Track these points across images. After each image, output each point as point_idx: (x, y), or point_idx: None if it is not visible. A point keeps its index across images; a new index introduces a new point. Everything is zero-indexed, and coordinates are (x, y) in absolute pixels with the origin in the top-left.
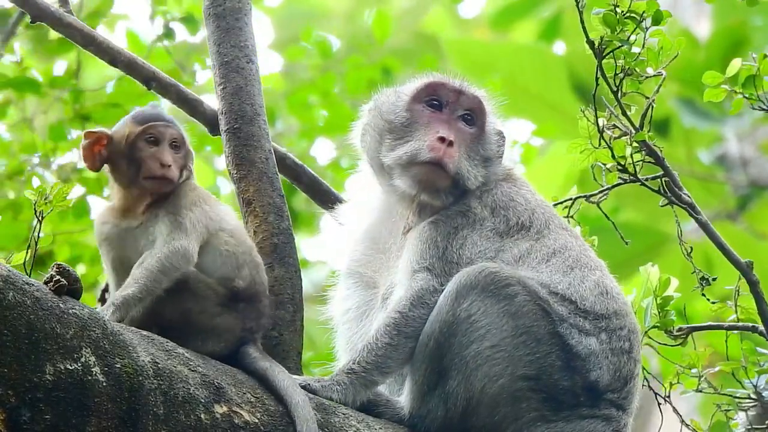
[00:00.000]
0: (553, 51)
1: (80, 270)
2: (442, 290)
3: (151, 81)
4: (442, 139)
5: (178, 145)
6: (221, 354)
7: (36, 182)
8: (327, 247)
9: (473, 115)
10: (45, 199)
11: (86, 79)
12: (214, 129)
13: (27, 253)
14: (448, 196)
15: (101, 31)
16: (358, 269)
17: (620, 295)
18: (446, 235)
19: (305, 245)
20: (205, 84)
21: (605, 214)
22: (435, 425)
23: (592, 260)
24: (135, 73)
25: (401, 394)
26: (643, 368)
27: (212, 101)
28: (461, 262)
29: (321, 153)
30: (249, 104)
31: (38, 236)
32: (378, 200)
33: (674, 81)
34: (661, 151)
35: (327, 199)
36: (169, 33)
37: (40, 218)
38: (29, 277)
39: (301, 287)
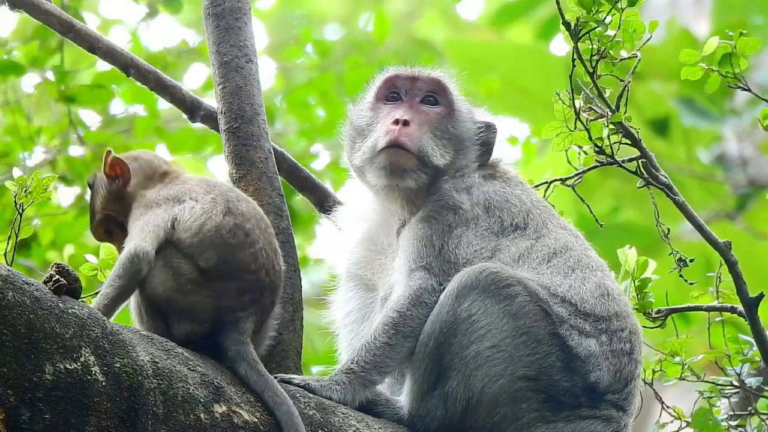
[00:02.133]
0: (552, 51)
1: (68, 251)
2: (441, 290)
3: (130, 68)
4: (396, 122)
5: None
6: (201, 336)
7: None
8: (326, 252)
9: (436, 96)
10: (25, 191)
11: (69, 60)
12: (193, 115)
13: (8, 243)
14: (419, 175)
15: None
16: (357, 272)
17: (621, 296)
18: (441, 233)
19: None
20: (204, 85)
21: (580, 197)
22: (434, 425)
23: (593, 260)
24: (114, 60)
25: (401, 394)
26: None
27: (211, 103)
28: (458, 261)
29: (321, 154)
30: (248, 104)
31: (19, 228)
32: (372, 203)
33: (674, 80)
34: (637, 132)
35: (307, 186)
36: (154, 12)
37: (20, 211)
38: (10, 266)
39: (301, 287)
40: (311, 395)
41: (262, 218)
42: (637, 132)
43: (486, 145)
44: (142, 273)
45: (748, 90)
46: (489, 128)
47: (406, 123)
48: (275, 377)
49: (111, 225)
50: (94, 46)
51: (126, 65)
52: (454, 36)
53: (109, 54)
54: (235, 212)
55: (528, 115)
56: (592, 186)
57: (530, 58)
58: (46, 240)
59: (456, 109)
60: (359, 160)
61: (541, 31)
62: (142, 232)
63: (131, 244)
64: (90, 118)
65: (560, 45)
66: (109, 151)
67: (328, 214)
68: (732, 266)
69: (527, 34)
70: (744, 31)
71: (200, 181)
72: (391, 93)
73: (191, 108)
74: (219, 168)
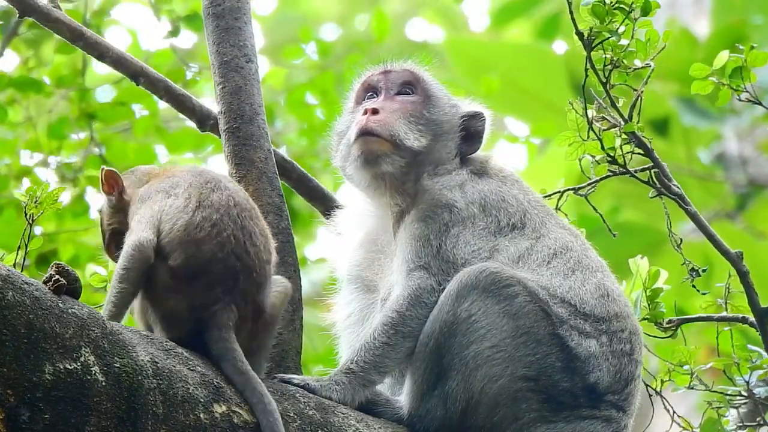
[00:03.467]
0: (553, 50)
1: (90, 269)
2: (440, 290)
3: (140, 77)
4: (366, 112)
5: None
6: (186, 339)
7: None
8: (328, 256)
9: (411, 86)
10: (35, 202)
11: (90, 79)
12: (202, 125)
13: (17, 254)
14: (394, 159)
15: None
16: (359, 273)
17: (621, 296)
18: (438, 233)
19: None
20: (204, 85)
21: (593, 207)
22: (434, 425)
23: (593, 261)
24: (123, 69)
25: (401, 394)
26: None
27: (210, 102)
28: (456, 261)
29: (321, 153)
30: (248, 104)
31: (29, 238)
32: (366, 204)
33: (673, 80)
34: (650, 142)
35: (316, 195)
36: (176, 30)
37: (30, 221)
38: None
39: (301, 287)
40: (311, 395)
41: (237, 204)
42: (650, 142)
43: (474, 134)
44: (150, 260)
45: (759, 104)
46: (476, 117)
47: (375, 111)
48: (274, 377)
49: (120, 239)
50: (103, 54)
51: (136, 74)
52: (453, 36)
53: (119, 62)
54: (205, 203)
55: (528, 115)
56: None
57: (530, 57)
58: (66, 256)
59: (432, 95)
60: (339, 159)
61: (541, 31)
62: (141, 224)
63: (133, 236)
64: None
65: (561, 45)
66: (103, 169)
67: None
68: (743, 276)
69: (527, 34)
70: (754, 45)
71: (186, 173)
72: (368, 94)
73: (201, 117)
74: (219, 168)
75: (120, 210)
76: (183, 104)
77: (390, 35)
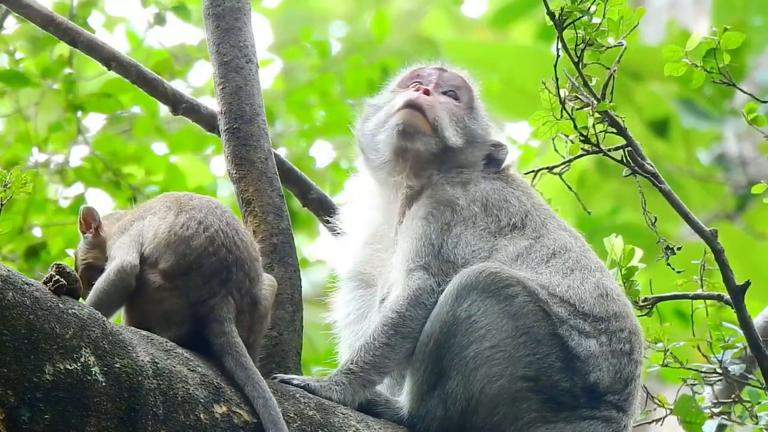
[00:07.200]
0: (552, 51)
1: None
2: (440, 290)
3: (111, 62)
4: (418, 90)
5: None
6: (186, 337)
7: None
8: (330, 254)
9: (457, 91)
10: (4, 186)
11: (78, 71)
12: (175, 108)
13: None
14: (429, 141)
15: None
16: (359, 270)
17: (621, 296)
18: (440, 232)
19: (306, 246)
20: (204, 85)
21: (568, 186)
22: (434, 425)
23: (592, 261)
24: (95, 54)
25: (401, 394)
26: None
27: (211, 102)
28: (456, 261)
29: (320, 154)
30: (248, 104)
31: None
32: (373, 197)
33: (673, 82)
34: (623, 121)
35: (289, 178)
36: (161, 19)
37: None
38: None
39: (301, 287)
40: (311, 396)
41: (218, 206)
42: (623, 120)
43: (495, 161)
44: (132, 286)
45: (733, 85)
46: (498, 146)
47: (427, 92)
48: (275, 377)
49: (93, 275)
50: (75, 39)
51: (107, 59)
52: (458, 35)
53: (90, 47)
54: (186, 208)
55: (527, 116)
56: (592, 187)
57: (530, 58)
58: (56, 249)
59: (475, 108)
60: (372, 124)
61: (542, 32)
62: (122, 249)
63: (116, 260)
64: (90, 118)
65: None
66: (81, 209)
67: (310, 206)
68: (718, 254)
69: (528, 34)
70: (728, 27)
71: (159, 197)
72: (414, 83)
73: (173, 101)
74: (219, 168)
75: (96, 246)
76: (155, 88)
77: (397, 33)
